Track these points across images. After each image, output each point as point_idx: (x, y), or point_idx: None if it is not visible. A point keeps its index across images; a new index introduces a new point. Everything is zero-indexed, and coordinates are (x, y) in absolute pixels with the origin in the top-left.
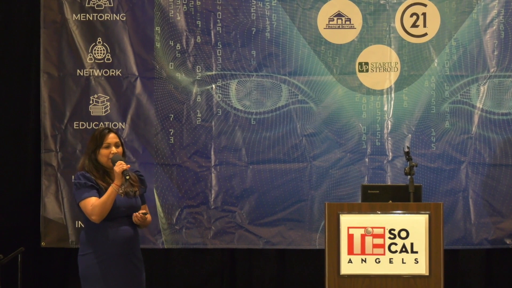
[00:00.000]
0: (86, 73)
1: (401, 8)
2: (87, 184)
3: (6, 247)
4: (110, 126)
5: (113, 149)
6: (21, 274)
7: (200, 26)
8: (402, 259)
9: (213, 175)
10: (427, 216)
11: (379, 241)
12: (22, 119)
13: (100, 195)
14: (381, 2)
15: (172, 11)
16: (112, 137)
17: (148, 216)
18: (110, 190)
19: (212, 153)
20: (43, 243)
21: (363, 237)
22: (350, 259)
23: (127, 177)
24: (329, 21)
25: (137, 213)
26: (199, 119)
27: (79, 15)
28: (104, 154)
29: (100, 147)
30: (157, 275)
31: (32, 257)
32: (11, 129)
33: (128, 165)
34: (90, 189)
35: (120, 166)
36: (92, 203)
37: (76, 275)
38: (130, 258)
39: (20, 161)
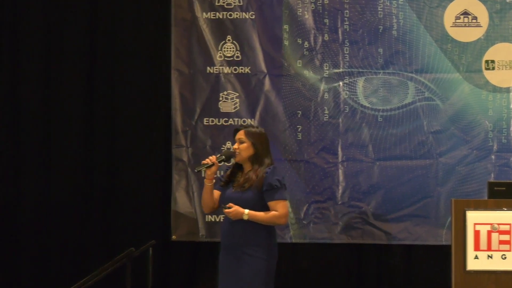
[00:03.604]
0: (216, 70)
1: None
2: (217, 178)
3: (138, 240)
4: (245, 123)
5: (236, 145)
6: (152, 267)
7: (327, 24)
8: None
9: (340, 171)
10: None
11: (505, 237)
12: (154, 115)
13: (223, 188)
14: (507, 0)
15: (300, 9)
16: (239, 134)
17: (270, 213)
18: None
19: (339, 149)
20: (173, 237)
21: (489, 233)
22: (476, 255)
23: (196, 170)
24: (455, 19)
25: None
26: (326, 116)
27: (209, 13)
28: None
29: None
30: (285, 269)
31: (162, 250)
32: (143, 124)
33: (208, 160)
34: (217, 182)
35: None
36: None
37: (205, 268)
38: (233, 251)
39: (151, 156)
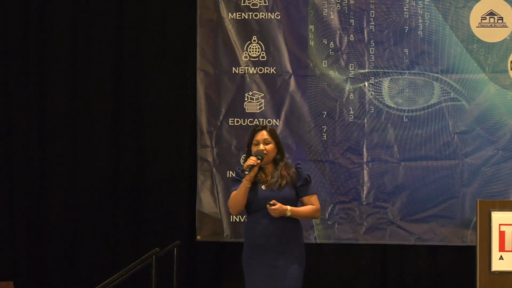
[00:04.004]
0: (241, 71)
1: None
2: (234, 178)
3: (163, 240)
4: (265, 123)
5: (261, 146)
6: (176, 267)
7: (353, 24)
8: None
9: (365, 171)
10: None
11: None
12: (179, 115)
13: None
14: None
15: (326, 9)
16: (261, 135)
17: (309, 207)
18: (241, 184)
19: (365, 149)
20: (198, 237)
21: None
22: (501, 256)
23: (246, 172)
24: (481, 19)
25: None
26: (351, 116)
27: (234, 13)
28: (254, 150)
29: (251, 143)
30: (309, 270)
31: (187, 250)
32: (169, 125)
33: (252, 161)
34: (236, 183)
35: (247, 162)
36: (231, 196)
37: (230, 268)
38: (269, 250)
39: (177, 156)
